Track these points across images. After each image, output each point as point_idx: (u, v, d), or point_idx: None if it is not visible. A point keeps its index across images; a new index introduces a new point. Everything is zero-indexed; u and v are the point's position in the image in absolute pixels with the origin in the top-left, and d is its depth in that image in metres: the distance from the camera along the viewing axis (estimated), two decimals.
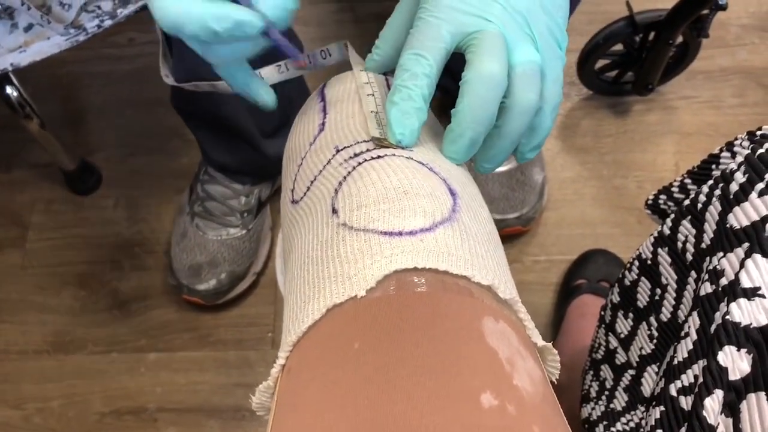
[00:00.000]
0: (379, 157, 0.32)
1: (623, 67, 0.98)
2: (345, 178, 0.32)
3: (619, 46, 0.94)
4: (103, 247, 0.99)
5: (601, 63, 0.97)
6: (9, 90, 0.86)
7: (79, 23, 0.77)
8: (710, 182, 0.37)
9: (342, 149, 0.34)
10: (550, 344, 0.30)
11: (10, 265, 0.99)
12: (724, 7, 0.80)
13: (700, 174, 0.43)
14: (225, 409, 0.88)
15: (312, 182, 0.34)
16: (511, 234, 0.93)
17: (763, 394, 0.30)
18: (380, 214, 0.29)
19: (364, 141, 0.34)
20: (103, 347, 0.93)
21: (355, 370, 0.24)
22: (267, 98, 0.41)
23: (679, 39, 0.89)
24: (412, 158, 0.33)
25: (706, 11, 0.82)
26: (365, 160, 0.32)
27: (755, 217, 0.32)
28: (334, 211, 0.31)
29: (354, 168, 0.32)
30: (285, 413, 0.25)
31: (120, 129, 1.08)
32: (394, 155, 0.32)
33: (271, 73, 0.43)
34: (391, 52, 0.38)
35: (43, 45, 0.75)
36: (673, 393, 0.34)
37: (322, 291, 0.27)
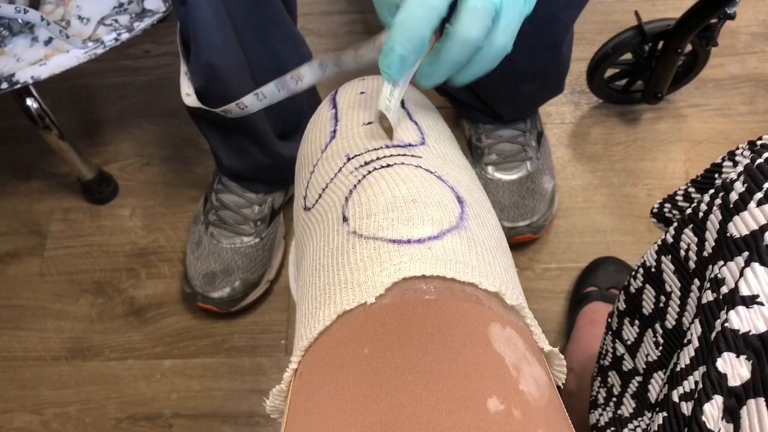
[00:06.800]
0: (388, 165, 0.33)
1: (633, 75, 0.98)
2: (355, 186, 0.33)
3: (628, 55, 0.94)
4: (119, 256, 1.01)
5: (610, 72, 0.97)
6: (29, 102, 0.88)
7: (97, 37, 0.79)
8: (711, 191, 0.38)
9: (353, 157, 0.35)
10: (556, 349, 0.31)
11: (29, 273, 1.01)
12: (732, 17, 0.80)
13: (703, 183, 0.44)
14: (239, 415, 0.89)
15: (323, 190, 0.35)
16: (521, 242, 0.93)
17: (762, 399, 0.30)
18: (389, 222, 0.30)
19: (374, 149, 0.35)
20: (120, 354, 0.94)
21: (364, 375, 0.25)
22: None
23: (688, 48, 0.89)
24: (420, 167, 0.33)
25: (714, 20, 0.83)
26: (375, 168, 0.33)
27: (754, 227, 0.33)
28: (345, 219, 0.31)
29: (364, 176, 0.33)
30: (297, 416, 0.26)
31: (136, 139, 1.10)
32: (403, 164, 0.33)
33: (251, 101, 0.45)
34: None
35: (63, 58, 0.77)
36: (676, 399, 0.35)
37: (332, 297, 0.28)
